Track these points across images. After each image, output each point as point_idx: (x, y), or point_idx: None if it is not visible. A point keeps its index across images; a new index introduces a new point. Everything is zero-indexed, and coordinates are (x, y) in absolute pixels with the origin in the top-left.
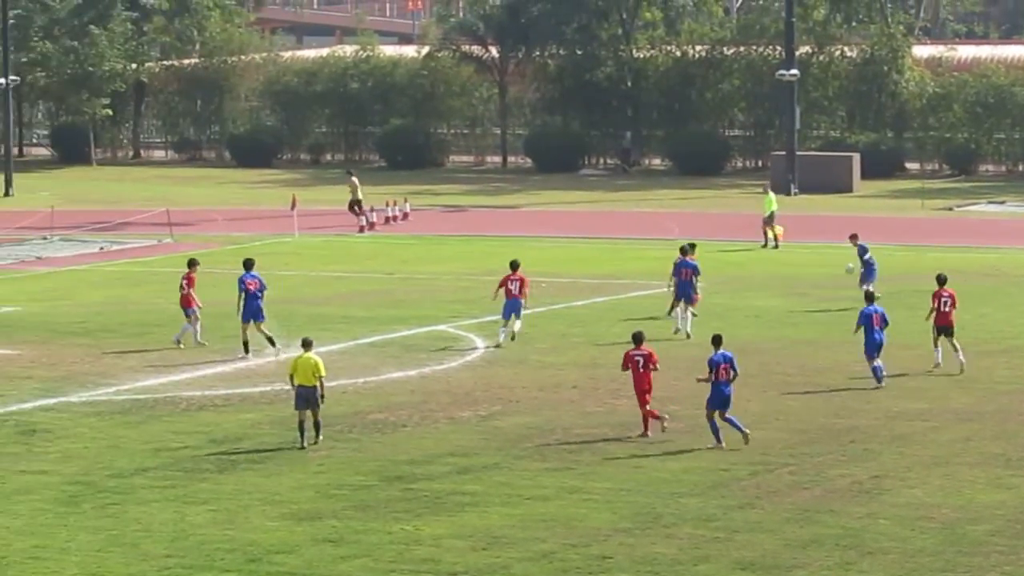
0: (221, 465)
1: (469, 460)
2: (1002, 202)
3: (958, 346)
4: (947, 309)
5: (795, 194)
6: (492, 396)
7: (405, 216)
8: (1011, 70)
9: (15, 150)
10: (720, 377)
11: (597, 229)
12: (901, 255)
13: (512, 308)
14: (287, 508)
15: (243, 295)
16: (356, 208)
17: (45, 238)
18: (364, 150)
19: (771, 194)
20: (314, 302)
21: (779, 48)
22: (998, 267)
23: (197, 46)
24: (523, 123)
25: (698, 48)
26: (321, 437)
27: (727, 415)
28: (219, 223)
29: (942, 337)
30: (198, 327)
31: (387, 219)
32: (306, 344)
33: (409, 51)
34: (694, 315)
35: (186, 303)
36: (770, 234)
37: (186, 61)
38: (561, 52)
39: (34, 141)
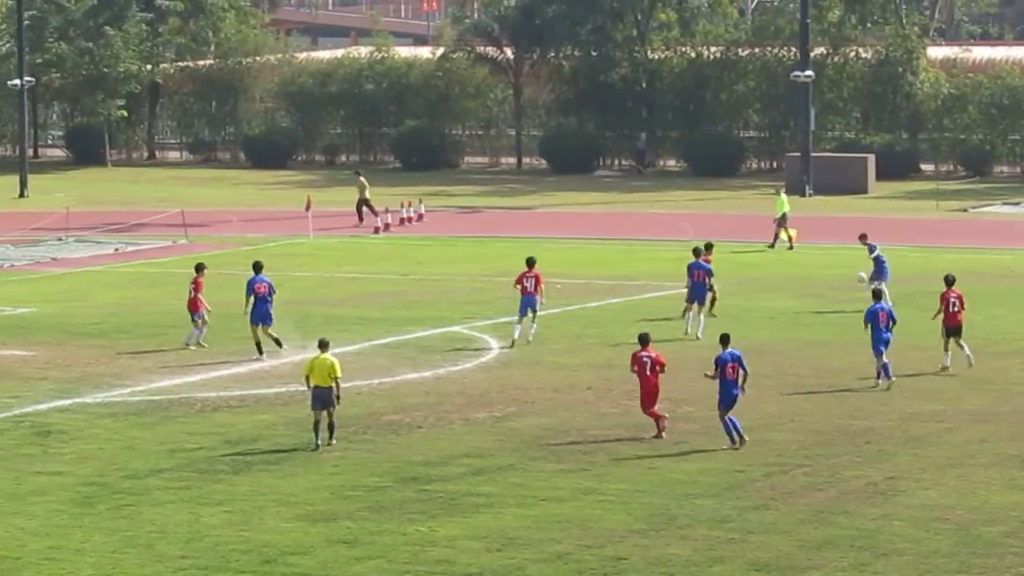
0: (236, 466)
1: (484, 461)
2: (1017, 203)
3: (964, 345)
4: (955, 310)
5: (810, 195)
6: (507, 397)
7: (420, 217)
8: None
9: (30, 151)
10: (728, 376)
11: (612, 230)
12: (916, 256)
13: (528, 304)
14: (302, 509)
15: (252, 298)
16: (366, 208)
17: (60, 239)
18: (379, 151)
19: (783, 195)
20: (329, 303)
21: (794, 49)
22: (1012, 268)
23: (212, 47)
24: (538, 124)
25: (713, 49)
26: (335, 440)
27: (729, 416)
28: (234, 224)
29: (951, 339)
30: (204, 331)
31: (402, 220)
32: (323, 345)
33: (424, 52)
34: (712, 316)
35: (193, 307)
36: (783, 235)
37: (201, 62)
38: (576, 53)
39: (49, 142)
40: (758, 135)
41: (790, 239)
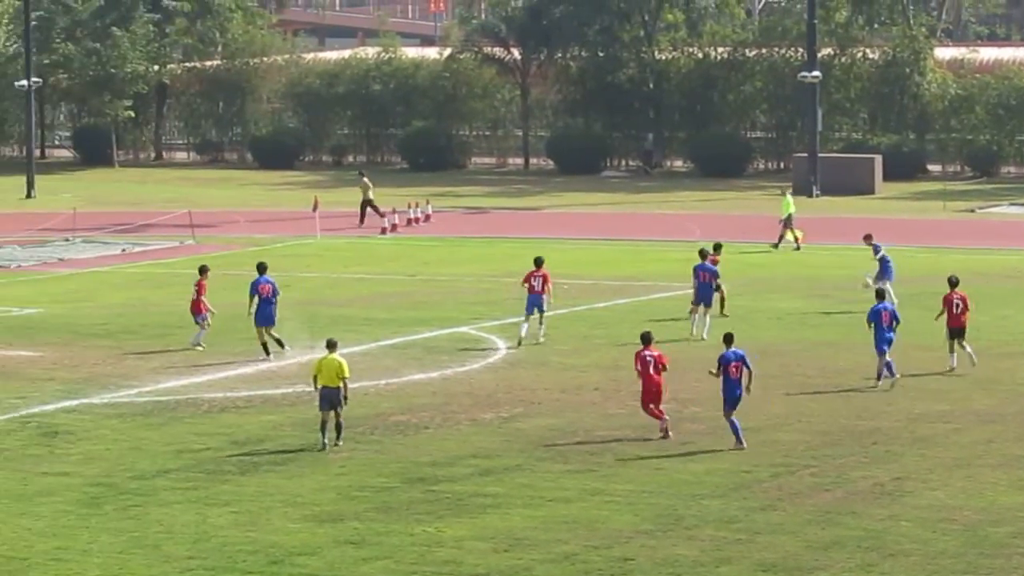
0: (243, 467)
1: (491, 462)
2: None
3: (967, 345)
4: (959, 312)
5: (817, 196)
6: (514, 398)
7: (427, 218)
8: None
9: (37, 152)
10: (731, 375)
11: (619, 231)
12: (923, 257)
13: (534, 304)
14: (309, 510)
15: (255, 299)
16: (370, 209)
17: (67, 240)
18: (386, 152)
19: (788, 196)
20: (336, 304)
21: (801, 50)
22: (1020, 269)
23: (219, 48)
24: (545, 125)
25: (720, 50)
26: (342, 441)
27: (731, 416)
28: (241, 225)
29: (954, 341)
30: (204, 333)
31: (409, 221)
32: (331, 345)
33: (431, 53)
34: (725, 316)
35: (196, 309)
36: (788, 236)
37: (208, 63)
38: (583, 54)
39: (56, 143)
40: (765, 136)
41: (796, 240)
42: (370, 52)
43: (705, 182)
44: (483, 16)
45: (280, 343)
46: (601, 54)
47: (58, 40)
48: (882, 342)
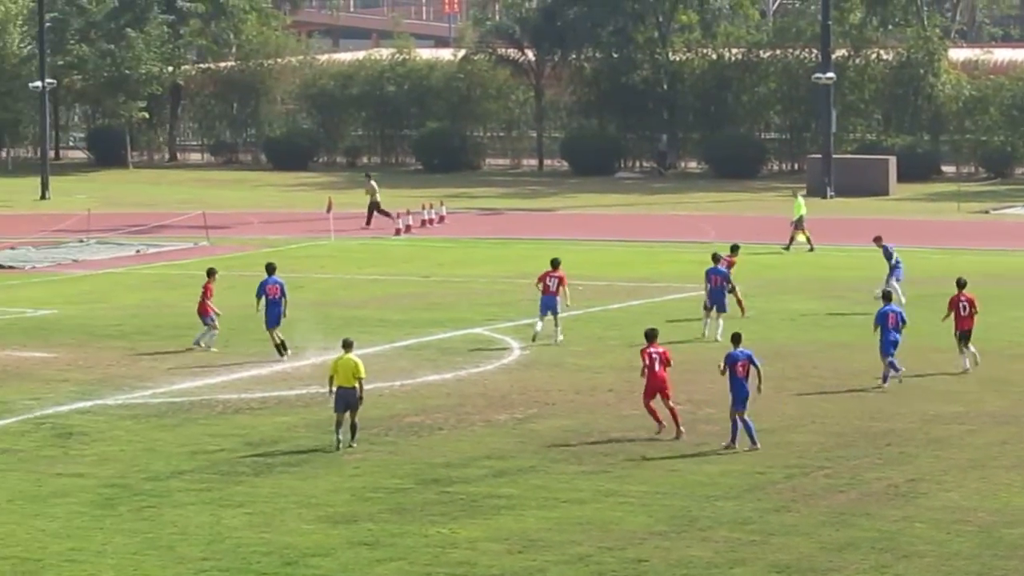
0: (257, 468)
1: (505, 463)
2: None
3: (972, 347)
4: (966, 314)
5: (831, 197)
6: (528, 399)
7: (441, 219)
8: None
9: (51, 153)
10: (738, 374)
11: (633, 232)
12: (937, 258)
13: (547, 305)
14: (323, 511)
15: (262, 300)
16: (377, 211)
17: (81, 241)
18: (400, 153)
19: (800, 198)
20: (350, 305)
21: (815, 51)
22: None
23: (233, 49)
24: (559, 126)
25: (734, 51)
26: (356, 442)
27: (743, 416)
28: (255, 226)
29: (962, 343)
30: (215, 333)
31: (423, 222)
32: (347, 345)
33: (445, 54)
34: (745, 316)
35: (203, 312)
36: (800, 238)
37: (222, 64)
38: (597, 55)
39: (71, 144)
40: (779, 137)
41: (809, 241)
42: (384, 53)
43: (719, 183)
44: (497, 17)
45: (281, 349)
46: (615, 55)
47: (72, 41)
48: (888, 345)
